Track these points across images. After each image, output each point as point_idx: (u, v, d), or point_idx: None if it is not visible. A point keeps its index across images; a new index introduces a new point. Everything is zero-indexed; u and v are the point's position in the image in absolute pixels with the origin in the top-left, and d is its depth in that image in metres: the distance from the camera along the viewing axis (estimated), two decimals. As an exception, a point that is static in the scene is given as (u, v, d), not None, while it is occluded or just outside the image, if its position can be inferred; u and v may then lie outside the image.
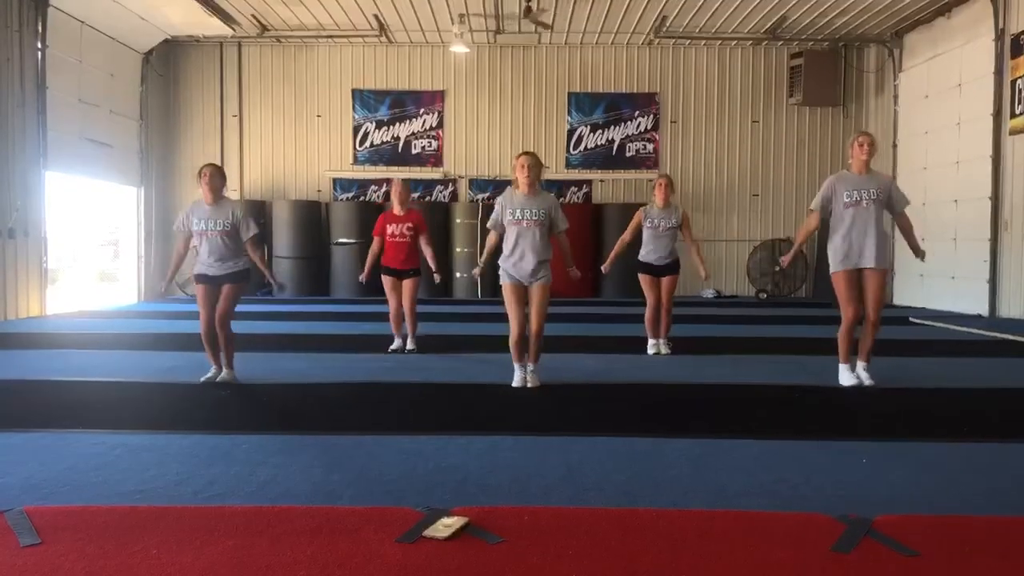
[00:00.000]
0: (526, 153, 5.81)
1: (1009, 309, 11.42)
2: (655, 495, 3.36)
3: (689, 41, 15.38)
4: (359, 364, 7.02)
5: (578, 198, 15.90)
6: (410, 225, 7.65)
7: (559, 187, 15.55)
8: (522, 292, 5.78)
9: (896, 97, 14.50)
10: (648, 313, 7.65)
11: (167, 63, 15.61)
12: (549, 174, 14.96)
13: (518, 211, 5.72)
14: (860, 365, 5.93)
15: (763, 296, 15.22)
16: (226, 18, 13.90)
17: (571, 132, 15.92)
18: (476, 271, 6.48)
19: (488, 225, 5.93)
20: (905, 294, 14.10)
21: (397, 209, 7.71)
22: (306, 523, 2.92)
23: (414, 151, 15.98)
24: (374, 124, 15.95)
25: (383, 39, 15.25)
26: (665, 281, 7.62)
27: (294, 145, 15.95)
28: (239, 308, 6.29)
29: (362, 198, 15.91)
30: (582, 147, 15.95)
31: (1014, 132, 11.26)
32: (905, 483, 3.53)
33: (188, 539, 2.76)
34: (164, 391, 5.82)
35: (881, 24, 14.02)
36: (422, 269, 7.81)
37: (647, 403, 5.44)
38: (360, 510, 3.10)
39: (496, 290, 13.28)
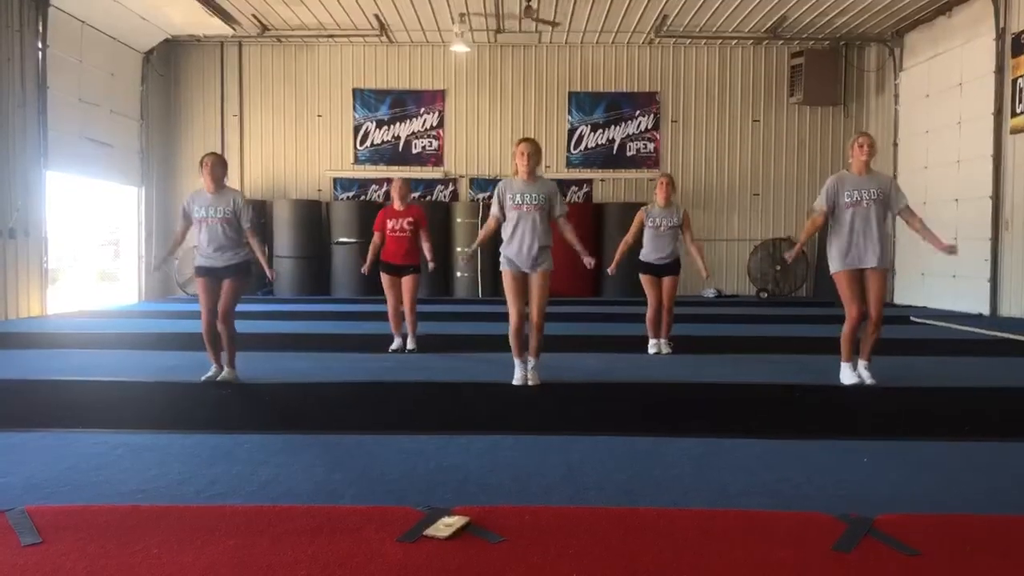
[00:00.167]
0: (526, 140, 5.82)
1: (1010, 308, 11.42)
2: (656, 494, 3.36)
3: (690, 40, 15.37)
4: (360, 364, 7.03)
5: (579, 198, 15.88)
6: (410, 220, 7.64)
7: (560, 187, 15.49)
8: (522, 281, 5.77)
9: (897, 96, 14.49)
10: (649, 313, 7.65)
11: (168, 63, 15.61)
12: (550, 174, 14.95)
13: (518, 196, 5.73)
14: (861, 364, 5.93)
15: (764, 295, 15.22)
16: (227, 18, 13.90)
17: (572, 131, 15.91)
18: (469, 249, 6.49)
19: (491, 212, 5.90)
20: (906, 293, 14.09)
21: (397, 205, 7.72)
22: (307, 522, 2.92)
23: (414, 151, 15.97)
24: (374, 124, 15.94)
25: (383, 39, 15.25)
26: (666, 281, 7.62)
27: (295, 145, 15.95)
28: (240, 307, 6.28)
29: (363, 198, 15.90)
30: (583, 146, 15.94)
31: (1015, 131, 11.25)
32: (906, 482, 3.53)
33: (189, 538, 2.76)
34: (165, 390, 5.82)
35: (882, 23, 14.01)
36: (422, 267, 7.82)
37: (648, 402, 5.44)
38: (361, 509, 3.10)
39: (496, 290, 13.32)
